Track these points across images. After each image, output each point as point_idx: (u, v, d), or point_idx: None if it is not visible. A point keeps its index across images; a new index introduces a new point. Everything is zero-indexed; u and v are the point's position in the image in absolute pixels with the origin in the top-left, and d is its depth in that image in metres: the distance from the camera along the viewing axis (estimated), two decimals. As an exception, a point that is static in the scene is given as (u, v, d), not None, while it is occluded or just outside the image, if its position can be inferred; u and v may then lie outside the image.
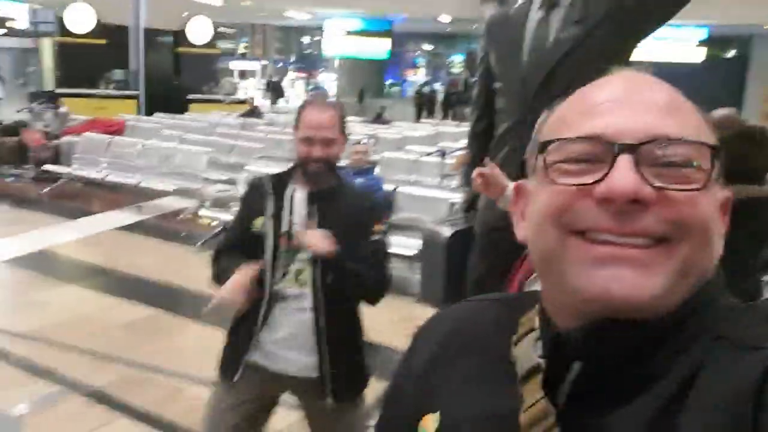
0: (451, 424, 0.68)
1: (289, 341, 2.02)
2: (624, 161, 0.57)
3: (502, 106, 2.34)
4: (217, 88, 18.74)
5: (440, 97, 23.51)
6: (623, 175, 0.56)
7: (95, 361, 3.93)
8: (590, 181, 0.58)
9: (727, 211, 0.63)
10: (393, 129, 12.67)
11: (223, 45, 24.52)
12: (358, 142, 6.14)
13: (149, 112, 14.87)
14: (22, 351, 4.03)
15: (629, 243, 0.56)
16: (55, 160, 9.63)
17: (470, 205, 2.56)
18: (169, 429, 3.23)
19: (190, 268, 5.45)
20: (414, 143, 9.92)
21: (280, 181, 2.09)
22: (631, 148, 0.57)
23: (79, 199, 8.87)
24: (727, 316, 0.60)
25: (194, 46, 18.42)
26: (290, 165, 2.13)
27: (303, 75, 30.71)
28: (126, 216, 7.86)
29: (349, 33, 22.83)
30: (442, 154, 7.36)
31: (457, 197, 5.23)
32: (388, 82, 29.04)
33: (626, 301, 0.56)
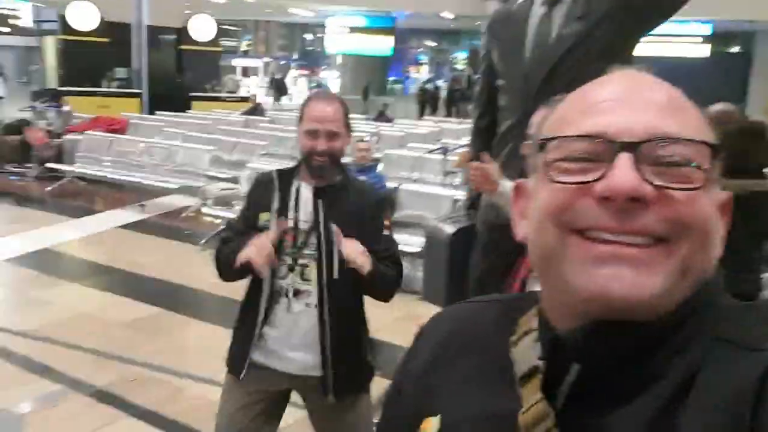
0: (451, 424, 0.68)
1: (293, 338, 2.01)
2: (624, 159, 0.57)
3: (505, 103, 2.32)
4: (220, 86, 18.75)
5: (443, 94, 23.51)
6: (623, 174, 0.56)
7: (97, 360, 3.93)
8: (590, 180, 0.58)
9: (727, 212, 0.63)
10: (396, 126, 12.65)
11: (226, 42, 24.52)
12: (361, 140, 6.13)
13: (152, 111, 14.88)
14: (24, 349, 4.03)
15: (629, 242, 0.56)
16: (58, 159, 9.66)
17: (473, 202, 2.55)
18: (171, 428, 3.23)
19: (192, 266, 5.45)
20: (417, 141, 9.90)
21: (285, 177, 2.08)
22: (631, 147, 0.57)
23: (81, 197, 8.89)
24: (727, 316, 0.59)
25: (197, 43, 18.42)
26: (295, 161, 2.12)
27: (306, 72, 30.73)
28: (128, 214, 7.87)
29: (352, 30, 22.82)
30: (445, 151, 7.34)
31: (460, 195, 5.22)
32: (391, 79, 29.03)
33: (626, 300, 0.56)
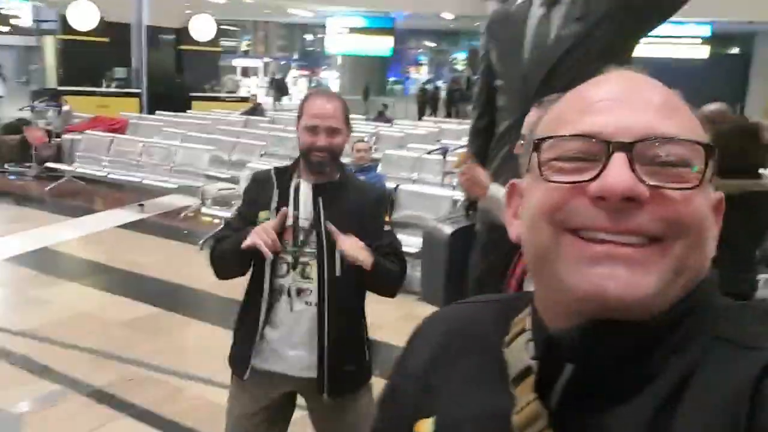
0: (450, 425, 0.68)
1: (294, 337, 2.01)
2: (619, 159, 0.57)
3: (504, 103, 2.33)
4: (220, 86, 18.75)
5: (443, 94, 23.51)
6: (618, 173, 0.56)
7: (96, 360, 3.92)
8: (585, 179, 0.58)
9: (720, 212, 0.63)
10: (395, 127, 12.65)
11: (226, 43, 24.52)
12: (361, 140, 6.13)
13: (152, 110, 14.87)
14: (23, 349, 4.03)
15: (623, 242, 0.56)
16: (58, 158, 9.66)
17: (472, 203, 2.55)
18: (169, 428, 3.22)
19: (191, 266, 5.45)
20: (416, 141, 9.90)
21: (284, 174, 2.07)
22: (626, 147, 0.57)
23: (80, 197, 8.88)
24: (724, 315, 0.60)
25: (197, 43, 18.43)
26: (292, 158, 2.10)
27: (306, 73, 30.72)
28: (128, 214, 7.87)
29: (351, 30, 22.82)
30: (444, 151, 7.34)
31: (459, 195, 5.22)
32: (391, 79, 29.02)
33: (620, 299, 0.56)
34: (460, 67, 27.87)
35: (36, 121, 10.94)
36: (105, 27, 16.42)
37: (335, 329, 1.99)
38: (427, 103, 22.81)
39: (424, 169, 7.45)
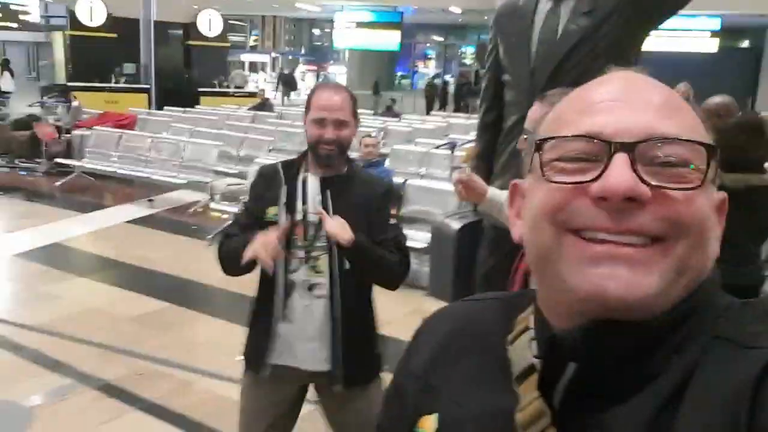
0: (453, 423, 0.68)
1: (307, 331, 2.02)
2: (620, 159, 0.57)
3: (511, 98, 2.32)
4: (228, 81, 18.77)
5: (452, 89, 23.42)
6: (619, 174, 0.56)
7: (105, 354, 3.95)
8: (587, 180, 0.58)
9: (723, 212, 0.63)
10: (403, 122, 12.64)
11: (234, 38, 24.53)
12: (369, 135, 6.12)
13: (160, 106, 14.91)
14: (33, 343, 4.06)
15: (625, 242, 0.56)
16: (67, 154, 9.70)
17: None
18: (178, 422, 3.24)
19: (200, 261, 5.47)
20: (424, 136, 9.88)
21: (291, 168, 2.07)
22: (627, 147, 0.57)
23: (90, 192, 8.92)
24: (724, 315, 0.60)
25: (205, 38, 18.43)
26: (300, 152, 2.10)
27: (314, 67, 30.70)
28: (137, 209, 7.90)
29: (359, 25, 22.78)
30: (452, 146, 7.33)
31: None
32: (399, 74, 28.95)
33: (622, 299, 0.56)
34: (468, 61, 27.76)
35: (45, 117, 10.99)
36: (113, 23, 16.45)
37: (347, 322, 2.01)
38: (435, 97, 22.74)
39: (432, 164, 7.44)
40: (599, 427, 0.57)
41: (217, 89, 17.72)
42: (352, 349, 2.02)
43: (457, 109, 20.96)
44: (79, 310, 4.69)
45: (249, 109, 14.00)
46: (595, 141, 0.58)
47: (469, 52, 28.19)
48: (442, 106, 22.02)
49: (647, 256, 0.56)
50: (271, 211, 2.02)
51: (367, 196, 2.05)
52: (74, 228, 6.99)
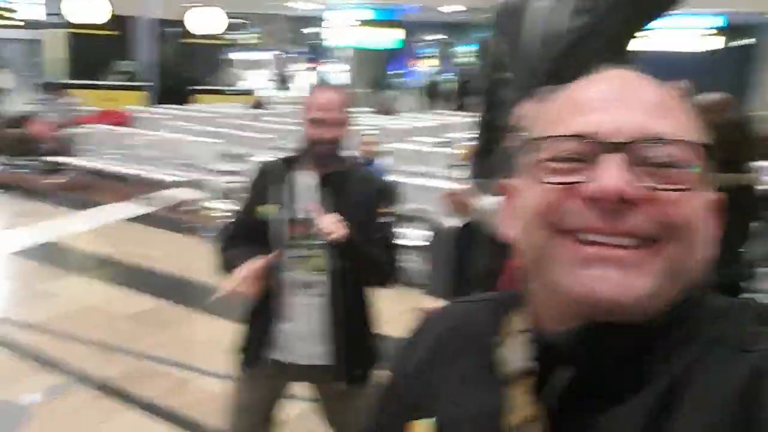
0: (451, 423, 0.67)
1: (304, 330, 2.02)
2: (612, 160, 0.56)
3: (511, 96, 2.31)
4: (225, 80, 18.73)
5: (453, 87, 23.39)
6: (612, 174, 0.56)
7: (103, 353, 3.94)
8: (579, 180, 0.57)
9: (718, 213, 0.62)
10: (402, 120, 12.63)
11: (232, 36, 24.49)
12: (366, 133, 6.11)
13: (157, 104, 14.88)
14: (30, 342, 4.04)
15: (617, 243, 0.56)
16: (64, 152, 9.66)
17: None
18: (175, 420, 3.23)
19: (197, 259, 5.44)
20: (423, 134, 9.88)
21: (288, 166, 2.08)
22: (620, 147, 0.56)
23: (86, 190, 8.90)
24: (719, 316, 0.59)
25: (202, 36, 18.39)
26: (297, 150, 2.11)
27: (312, 65, 30.67)
28: (133, 207, 7.88)
29: (358, 23, 22.77)
30: (450, 144, 7.33)
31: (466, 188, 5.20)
32: (399, 72, 28.91)
33: (613, 301, 0.55)
34: (469, 59, 27.75)
35: (42, 115, 10.95)
36: (111, 20, 16.40)
37: (347, 320, 2.02)
38: (436, 95, 22.72)
39: (430, 162, 7.44)
40: (597, 428, 0.56)
41: (214, 87, 17.70)
42: (351, 347, 2.03)
43: (459, 108, 20.95)
44: (75, 308, 4.67)
45: (247, 108, 14.00)
46: (587, 141, 0.57)
47: (470, 50, 28.19)
48: (443, 104, 21.99)
49: (639, 258, 0.55)
50: (269, 209, 2.04)
51: (365, 193, 2.06)
52: (71, 226, 6.97)
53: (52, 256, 5.96)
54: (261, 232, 2.02)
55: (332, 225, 1.91)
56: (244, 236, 2.09)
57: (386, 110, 15.43)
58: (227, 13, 19.10)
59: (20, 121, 10.53)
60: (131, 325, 4.40)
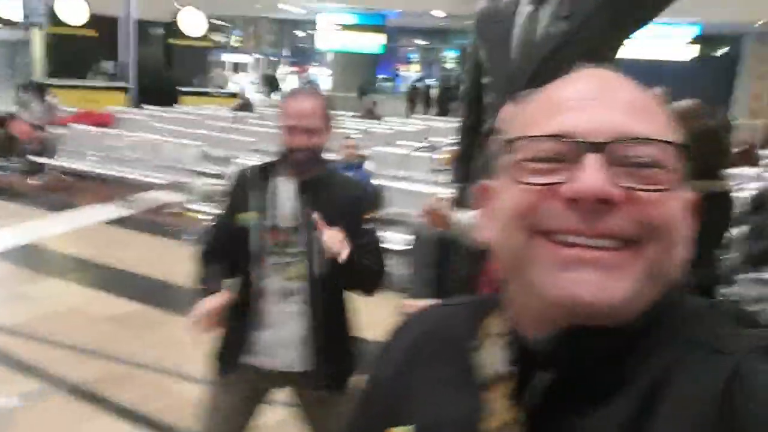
0: (427, 430, 0.67)
1: (284, 336, 2.01)
2: (592, 160, 0.55)
3: (491, 101, 2.32)
4: (209, 81, 18.63)
5: (434, 92, 23.45)
6: (591, 175, 0.55)
7: (80, 356, 3.89)
8: (557, 181, 0.56)
9: (695, 213, 0.62)
10: (384, 124, 12.64)
11: (216, 38, 24.38)
12: (348, 137, 6.11)
13: (139, 105, 14.76)
14: (8, 345, 3.99)
15: (596, 245, 0.55)
16: (43, 152, 9.55)
17: (460, 201, 2.54)
18: (153, 424, 3.20)
19: (177, 262, 5.39)
20: (405, 138, 9.89)
21: (265, 173, 2.06)
22: (599, 147, 0.56)
23: (66, 191, 8.80)
24: (696, 318, 0.59)
25: (186, 38, 18.27)
26: (276, 156, 2.10)
27: (296, 69, 30.61)
28: (114, 209, 7.81)
29: (342, 27, 22.77)
30: (433, 149, 7.35)
31: (447, 192, 5.21)
32: (381, 77, 28.93)
33: (593, 305, 0.55)
34: (450, 65, 27.84)
35: (22, 115, 10.81)
36: (92, 20, 16.26)
37: (325, 325, 2.00)
38: (417, 100, 22.75)
39: (412, 166, 7.45)
40: (576, 431, 0.56)
41: (197, 89, 17.59)
42: (331, 353, 2.02)
43: (440, 113, 20.98)
44: (54, 311, 4.62)
45: (230, 110, 13.92)
46: (566, 141, 0.57)
47: (451, 56, 28.29)
48: (425, 110, 22.02)
49: (619, 260, 0.55)
50: (248, 216, 2.02)
51: (345, 199, 2.04)
52: (50, 228, 6.89)
53: (30, 258, 5.89)
54: (242, 239, 2.00)
55: (337, 243, 1.90)
56: (225, 243, 2.08)
57: (370, 114, 15.44)
58: (211, 15, 19.02)
59: (1, 121, 10.39)
60: (110, 327, 4.35)
